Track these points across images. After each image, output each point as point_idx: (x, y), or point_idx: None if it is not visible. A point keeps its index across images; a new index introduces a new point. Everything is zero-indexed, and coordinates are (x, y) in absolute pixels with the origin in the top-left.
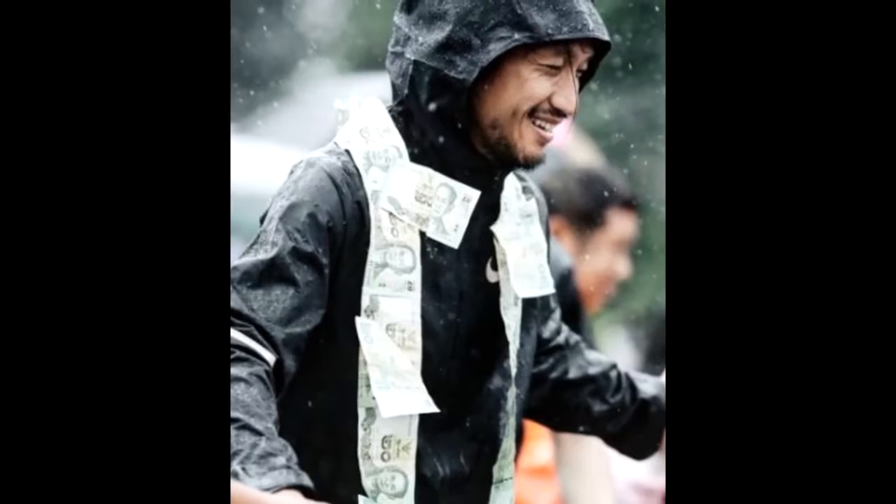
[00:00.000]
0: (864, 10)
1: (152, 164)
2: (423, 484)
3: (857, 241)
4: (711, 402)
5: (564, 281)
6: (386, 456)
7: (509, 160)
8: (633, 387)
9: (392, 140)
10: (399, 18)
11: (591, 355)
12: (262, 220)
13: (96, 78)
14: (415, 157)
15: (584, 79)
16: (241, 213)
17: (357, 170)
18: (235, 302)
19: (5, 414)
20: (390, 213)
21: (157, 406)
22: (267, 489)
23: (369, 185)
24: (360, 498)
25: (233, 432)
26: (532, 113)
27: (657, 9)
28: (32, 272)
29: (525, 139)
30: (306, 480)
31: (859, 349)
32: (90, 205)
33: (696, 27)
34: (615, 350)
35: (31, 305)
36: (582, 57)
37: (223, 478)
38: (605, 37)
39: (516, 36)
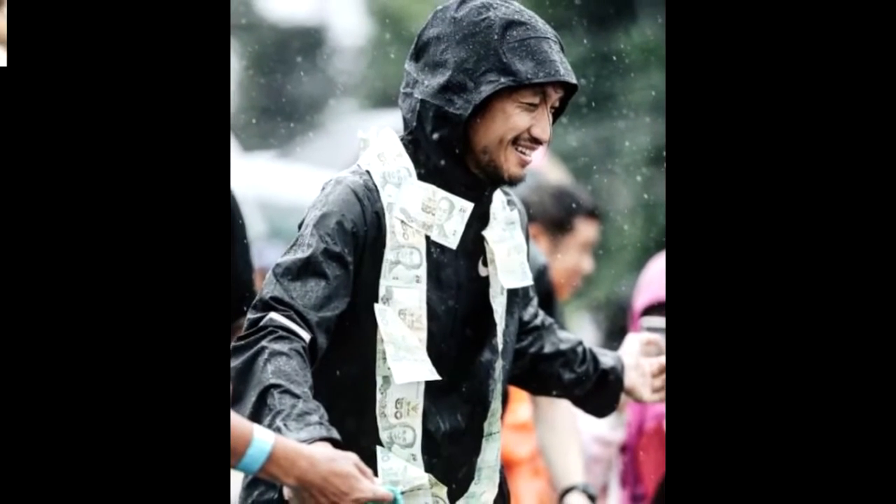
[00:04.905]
0: (855, 35)
1: (170, 183)
2: (428, 437)
3: (851, 246)
4: (709, 395)
5: (540, 275)
6: (398, 414)
7: (497, 179)
8: (595, 359)
9: (403, 163)
10: (409, 66)
11: (562, 334)
12: (299, 227)
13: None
14: (421, 177)
15: (556, 114)
16: (283, 220)
17: (375, 186)
18: (278, 291)
19: (13, 411)
20: (402, 221)
21: (161, 397)
22: (303, 441)
23: (385, 199)
24: (378, 448)
25: (276, 396)
26: (515, 141)
27: (615, 58)
28: (65, 280)
29: (509, 162)
30: (335, 434)
31: (849, 349)
32: (118, 211)
33: (694, 33)
34: (581, 330)
35: (59, 309)
36: (555, 96)
37: (223, 472)
38: (574, 80)
39: (502, 80)
